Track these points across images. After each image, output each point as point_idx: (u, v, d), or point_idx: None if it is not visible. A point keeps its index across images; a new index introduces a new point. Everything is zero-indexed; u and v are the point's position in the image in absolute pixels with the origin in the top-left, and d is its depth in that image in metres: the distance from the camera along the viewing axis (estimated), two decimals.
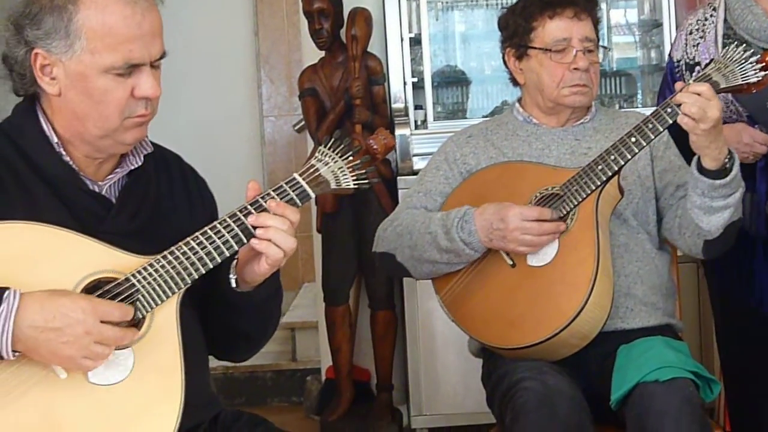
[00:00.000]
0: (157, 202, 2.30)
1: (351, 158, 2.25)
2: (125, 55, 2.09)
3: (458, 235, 2.90)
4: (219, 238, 2.11)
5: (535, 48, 3.10)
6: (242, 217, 2.13)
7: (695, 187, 2.83)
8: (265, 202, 2.16)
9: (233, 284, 2.24)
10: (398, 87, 4.83)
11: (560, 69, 3.06)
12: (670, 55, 3.54)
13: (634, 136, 2.84)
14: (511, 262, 2.90)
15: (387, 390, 4.87)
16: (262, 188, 2.19)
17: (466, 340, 3.17)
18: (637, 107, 5.07)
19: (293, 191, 2.19)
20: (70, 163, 2.18)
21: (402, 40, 4.84)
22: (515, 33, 3.15)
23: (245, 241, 2.14)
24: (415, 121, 4.87)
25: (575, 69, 3.05)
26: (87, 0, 2.07)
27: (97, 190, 2.22)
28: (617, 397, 2.69)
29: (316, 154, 2.24)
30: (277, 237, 2.13)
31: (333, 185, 2.23)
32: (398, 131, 4.65)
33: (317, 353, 5.41)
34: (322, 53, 4.81)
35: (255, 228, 2.13)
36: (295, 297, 6.59)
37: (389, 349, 4.83)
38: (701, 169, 2.81)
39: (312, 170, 2.22)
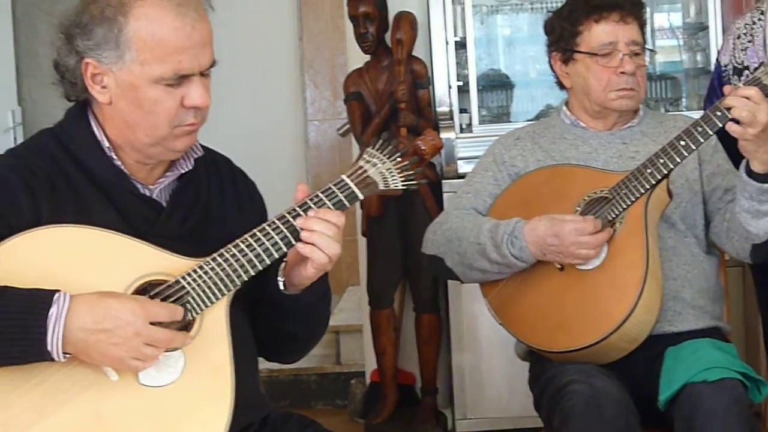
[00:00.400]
0: (207, 205, 2.31)
1: (399, 159, 2.25)
2: (175, 67, 2.09)
3: (509, 250, 2.90)
4: (267, 240, 2.12)
5: (581, 52, 3.09)
6: (290, 219, 2.14)
7: (743, 190, 2.81)
8: (314, 205, 2.16)
9: (281, 287, 2.25)
10: (443, 90, 4.82)
11: (606, 73, 3.06)
12: (717, 59, 3.52)
13: (684, 140, 2.82)
14: (560, 266, 2.90)
15: (431, 393, 4.87)
16: (310, 191, 2.20)
17: (511, 343, 3.17)
18: (682, 111, 5.04)
19: (341, 193, 2.19)
20: (121, 167, 2.20)
21: (447, 43, 4.84)
22: (561, 37, 3.15)
23: (293, 243, 2.14)
24: (460, 125, 4.86)
25: (622, 73, 3.04)
26: (137, 12, 2.08)
27: (147, 193, 2.23)
28: (666, 397, 2.68)
29: (365, 156, 2.24)
30: (322, 241, 2.13)
31: (381, 186, 2.23)
32: (443, 135, 4.63)
33: (361, 356, 5.41)
34: (367, 57, 4.82)
35: (301, 231, 2.14)
36: (340, 300, 6.59)
37: (434, 352, 4.82)
38: (750, 173, 2.79)
39: (360, 171, 2.22)
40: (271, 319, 2.33)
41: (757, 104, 2.68)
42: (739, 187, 2.84)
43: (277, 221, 2.14)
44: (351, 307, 6.22)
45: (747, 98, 2.69)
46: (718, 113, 2.76)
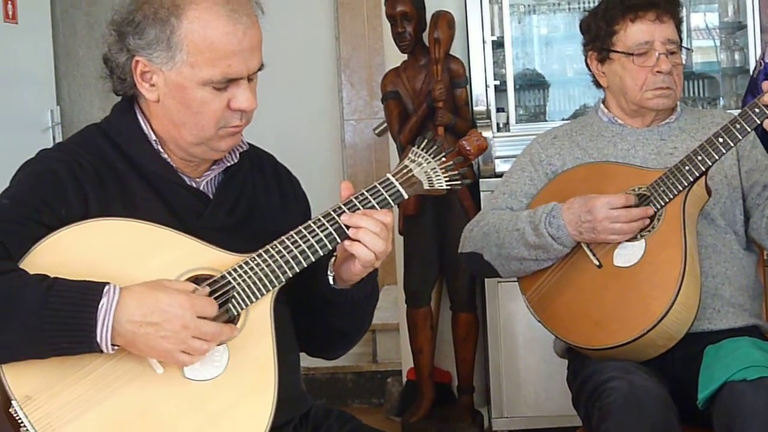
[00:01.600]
0: (253, 197, 2.34)
1: (444, 159, 2.26)
2: (224, 70, 2.12)
3: (547, 230, 2.91)
4: (313, 237, 2.13)
5: (617, 52, 3.10)
6: (336, 217, 2.16)
7: None
8: (359, 203, 2.18)
9: (330, 282, 2.27)
10: (480, 90, 4.85)
11: (643, 72, 3.06)
12: (762, 59, 3.51)
13: (722, 137, 2.83)
14: (598, 263, 2.90)
15: (468, 392, 4.88)
16: (355, 189, 2.21)
17: (547, 342, 3.17)
18: (722, 110, 5.02)
19: (387, 192, 2.20)
20: (168, 160, 2.23)
21: (484, 43, 4.86)
22: (597, 36, 3.15)
23: (338, 240, 2.15)
24: (498, 124, 4.87)
25: (658, 72, 3.04)
26: (190, 14, 2.10)
27: (194, 186, 2.26)
28: (705, 395, 2.67)
29: (410, 155, 2.25)
30: (367, 239, 2.14)
31: (426, 186, 2.24)
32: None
33: (398, 355, 5.43)
34: (404, 57, 4.83)
35: (348, 228, 2.16)
36: None
37: (471, 351, 4.83)
38: None
39: (405, 171, 2.24)
40: (320, 314, 2.35)
41: None
42: None
43: (322, 218, 2.16)
44: (387, 306, 6.22)
45: None
46: (757, 110, 2.76)
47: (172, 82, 2.14)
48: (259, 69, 2.19)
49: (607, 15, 3.12)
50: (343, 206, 2.17)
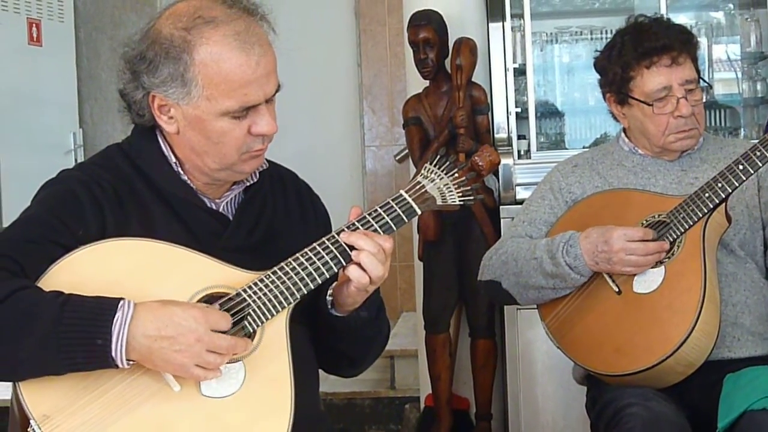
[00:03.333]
0: (272, 217, 2.35)
1: (456, 175, 2.28)
2: (241, 100, 2.13)
3: (564, 259, 2.91)
4: (327, 254, 2.15)
5: (635, 99, 3.07)
6: (337, 237, 2.17)
7: None
8: (372, 219, 2.19)
9: (328, 306, 2.28)
10: (502, 117, 4.85)
11: (664, 119, 3.03)
12: None
13: (742, 164, 2.82)
14: (617, 289, 2.90)
15: (486, 419, 4.86)
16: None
17: (566, 369, 3.16)
18: (744, 139, 5.01)
19: (399, 208, 2.22)
20: (188, 182, 2.24)
21: (506, 70, 4.87)
22: (613, 81, 3.12)
23: (344, 263, 2.16)
24: (519, 151, 4.88)
25: (679, 116, 3.02)
26: (202, 50, 2.11)
27: (214, 207, 2.28)
28: (724, 425, 2.65)
29: (422, 171, 2.27)
30: (366, 261, 2.15)
31: (439, 202, 2.25)
32: (501, 161, 4.64)
33: (416, 381, 5.42)
34: (426, 83, 4.84)
35: (351, 249, 2.16)
36: (395, 325, 6.61)
37: (489, 377, 4.82)
38: None
39: (418, 187, 2.25)
40: (325, 337, 2.35)
41: None
42: None
43: (336, 235, 2.17)
44: (406, 332, 6.23)
45: None
46: None
47: (190, 115, 2.15)
48: (277, 90, 2.20)
49: (621, 60, 3.08)
50: (356, 223, 2.18)
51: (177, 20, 2.13)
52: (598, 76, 3.23)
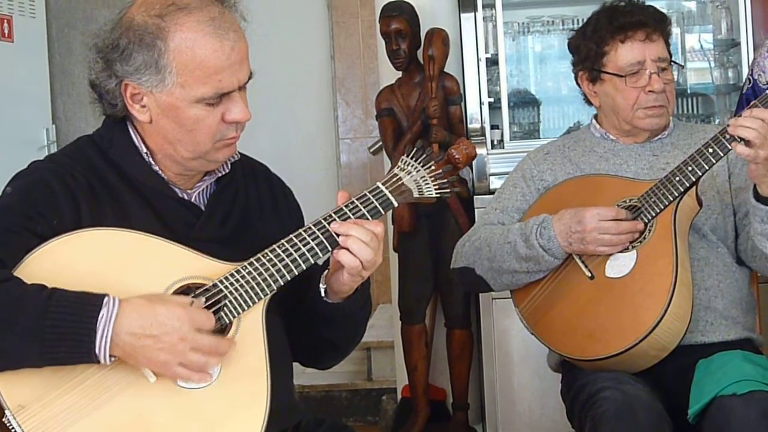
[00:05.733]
0: (245, 208, 2.35)
1: (433, 168, 2.28)
2: (215, 86, 2.13)
3: (538, 241, 2.92)
4: (303, 246, 2.15)
5: (608, 73, 3.10)
6: (326, 225, 2.17)
7: (755, 214, 2.83)
8: (349, 211, 2.19)
9: (322, 293, 2.28)
10: (475, 107, 4.86)
11: (635, 92, 3.06)
12: (752, 77, 3.53)
13: (712, 147, 2.84)
14: (590, 274, 2.91)
15: (463, 409, 4.87)
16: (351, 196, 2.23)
17: (542, 357, 3.17)
18: (715, 126, 5.03)
19: (376, 200, 2.22)
20: (160, 172, 2.24)
21: (479, 60, 4.88)
22: (587, 57, 3.15)
23: (329, 248, 2.17)
24: (492, 141, 4.89)
25: (650, 91, 3.05)
26: (176, 36, 2.10)
27: (186, 197, 2.27)
28: (695, 410, 2.67)
29: (399, 164, 2.27)
30: (355, 246, 2.15)
31: (415, 194, 2.26)
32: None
33: (393, 373, 5.43)
34: (399, 74, 4.85)
35: (338, 236, 2.16)
36: (371, 317, 6.61)
37: (465, 367, 4.83)
38: (757, 197, 2.80)
39: (395, 179, 2.25)
40: (312, 326, 2.35)
41: None
42: (750, 212, 2.86)
43: (313, 227, 2.17)
44: (382, 324, 6.24)
45: (762, 120, 2.71)
46: None
47: (163, 102, 2.14)
48: (249, 78, 2.20)
49: (596, 36, 3.12)
50: (333, 214, 2.18)
51: (150, 8, 2.13)
52: (572, 58, 3.26)
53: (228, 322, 2.10)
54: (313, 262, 2.16)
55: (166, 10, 2.12)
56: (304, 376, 5.32)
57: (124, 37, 2.13)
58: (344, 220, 2.18)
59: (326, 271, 2.27)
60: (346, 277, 2.22)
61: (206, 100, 2.13)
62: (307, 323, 2.35)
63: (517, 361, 4.58)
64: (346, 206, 2.20)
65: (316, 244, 2.16)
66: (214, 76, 2.12)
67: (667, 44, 3.13)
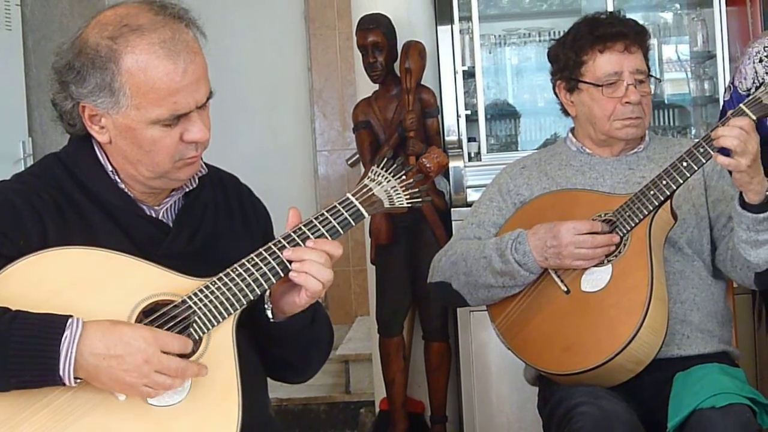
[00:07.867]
0: (214, 222, 2.32)
1: (404, 177, 2.27)
2: (171, 107, 2.10)
3: (513, 256, 2.91)
4: (273, 260, 2.13)
5: (586, 82, 3.10)
6: (278, 252, 2.15)
7: (740, 222, 2.83)
8: (319, 223, 2.18)
9: (269, 315, 2.25)
10: (452, 119, 4.87)
11: (612, 103, 3.06)
12: (733, 85, 3.54)
13: (686, 161, 2.84)
14: (566, 289, 2.90)
15: (441, 422, 4.86)
16: (301, 218, 2.21)
17: (520, 371, 3.16)
18: (691, 139, 5.05)
19: (346, 211, 2.21)
20: (126, 190, 2.21)
21: (455, 73, 4.89)
22: (566, 66, 3.15)
23: (282, 274, 2.15)
24: (469, 154, 4.89)
25: (627, 103, 3.05)
26: (128, 58, 2.07)
27: (153, 215, 2.25)
28: (674, 423, 2.67)
29: (369, 174, 2.26)
30: (314, 270, 2.14)
31: (386, 204, 2.25)
32: (452, 163, 4.66)
33: (371, 386, 5.42)
34: (376, 87, 4.84)
35: (291, 262, 2.14)
36: (349, 330, 6.61)
37: (443, 380, 4.82)
38: (744, 205, 2.80)
39: (365, 190, 2.24)
40: (264, 345, 2.33)
41: (749, 134, 2.70)
42: (735, 219, 2.85)
43: (264, 252, 2.15)
44: (360, 337, 6.23)
45: (740, 128, 2.71)
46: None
47: (120, 124, 2.12)
48: (210, 97, 2.17)
49: (576, 45, 3.12)
50: (303, 227, 2.17)
51: (103, 29, 2.10)
52: (549, 69, 3.26)
53: (198, 338, 2.08)
54: (283, 275, 2.15)
55: (119, 32, 2.09)
56: (281, 389, 5.30)
57: (78, 59, 2.11)
58: (314, 233, 2.17)
59: (268, 292, 2.23)
60: (304, 299, 2.20)
61: (162, 121, 2.10)
62: (261, 343, 2.33)
63: (495, 374, 4.58)
64: (317, 218, 2.19)
65: (278, 264, 2.14)
66: (168, 98, 2.09)
67: (646, 58, 3.14)
